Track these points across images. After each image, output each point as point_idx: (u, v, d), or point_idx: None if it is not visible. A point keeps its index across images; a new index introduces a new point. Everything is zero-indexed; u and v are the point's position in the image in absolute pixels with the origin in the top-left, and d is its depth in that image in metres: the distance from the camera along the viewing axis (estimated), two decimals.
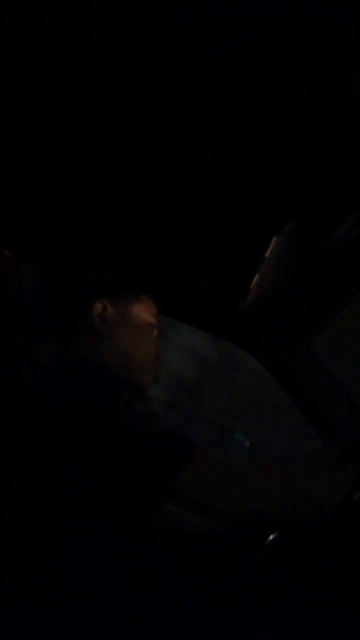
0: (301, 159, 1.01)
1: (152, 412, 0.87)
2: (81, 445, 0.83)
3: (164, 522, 0.96)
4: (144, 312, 1.13)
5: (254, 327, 1.53)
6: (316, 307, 1.38)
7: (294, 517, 0.97)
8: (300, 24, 0.78)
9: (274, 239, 1.20)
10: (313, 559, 0.91)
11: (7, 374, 0.86)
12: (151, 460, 0.83)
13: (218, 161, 1.06)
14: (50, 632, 0.74)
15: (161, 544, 0.97)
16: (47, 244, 1.39)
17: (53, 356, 1.16)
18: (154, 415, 0.86)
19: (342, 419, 1.51)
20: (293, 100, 0.91)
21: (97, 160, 1.10)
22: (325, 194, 1.08)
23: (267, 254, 1.24)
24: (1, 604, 0.75)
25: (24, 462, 0.82)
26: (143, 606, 0.84)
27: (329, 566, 0.92)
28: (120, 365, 1.05)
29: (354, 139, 0.94)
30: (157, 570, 0.90)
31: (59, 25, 0.84)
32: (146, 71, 0.89)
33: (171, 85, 0.91)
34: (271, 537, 1.00)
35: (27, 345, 1.00)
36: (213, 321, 1.59)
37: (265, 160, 1.04)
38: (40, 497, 0.80)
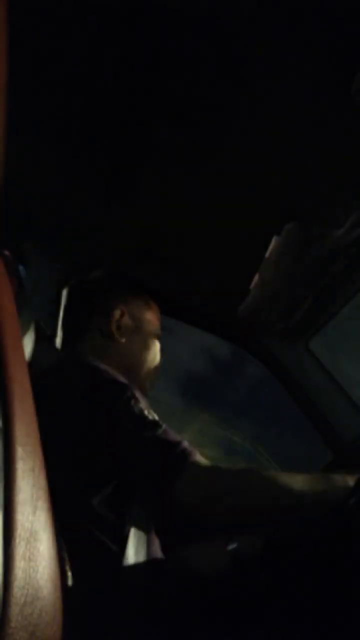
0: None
1: (150, 415, 0.86)
2: (79, 443, 0.83)
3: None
4: (154, 320, 1.15)
5: (254, 327, 1.53)
6: (316, 307, 1.38)
7: (291, 521, 0.97)
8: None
9: (274, 239, 1.20)
10: (310, 563, 0.90)
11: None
12: (146, 464, 0.83)
13: (216, 162, 1.06)
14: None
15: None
16: (47, 244, 1.39)
17: (53, 356, 1.16)
18: (152, 418, 0.86)
19: (342, 419, 1.51)
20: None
21: (95, 160, 1.10)
22: (326, 194, 1.09)
23: (267, 254, 1.24)
24: None
25: None
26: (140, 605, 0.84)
27: (327, 571, 0.92)
28: (126, 369, 1.05)
29: None
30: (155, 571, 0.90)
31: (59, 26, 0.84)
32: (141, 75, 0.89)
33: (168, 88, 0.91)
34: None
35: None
36: (214, 321, 1.59)
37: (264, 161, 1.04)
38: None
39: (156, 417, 0.87)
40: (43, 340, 1.23)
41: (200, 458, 0.85)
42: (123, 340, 1.08)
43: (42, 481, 0.51)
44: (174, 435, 0.86)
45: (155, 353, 1.14)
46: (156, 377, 1.16)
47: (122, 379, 0.92)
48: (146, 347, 1.12)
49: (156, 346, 1.15)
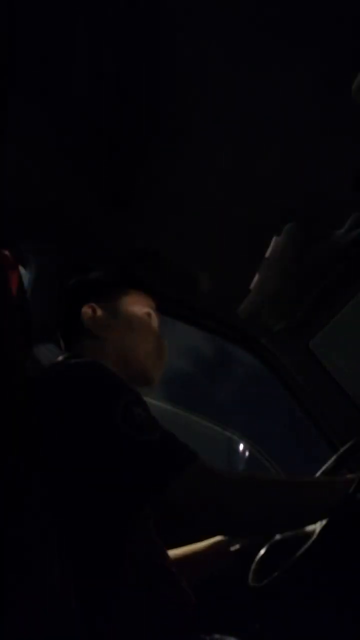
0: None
1: (149, 418, 0.85)
2: (77, 448, 0.82)
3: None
4: (134, 305, 1.11)
5: (254, 327, 1.53)
6: (316, 307, 1.39)
7: (290, 529, 0.96)
8: None
9: (274, 239, 1.20)
10: (310, 564, 0.90)
11: (6, 374, 0.86)
12: (144, 469, 0.81)
13: (217, 162, 1.06)
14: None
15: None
16: (47, 244, 1.39)
17: (53, 357, 1.15)
18: (151, 422, 0.84)
19: (342, 418, 1.51)
20: None
21: (95, 160, 1.10)
22: (326, 194, 1.09)
23: (267, 254, 1.24)
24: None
25: (21, 462, 0.81)
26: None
27: (328, 574, 0.92)
28: (121, 363, 1.04)
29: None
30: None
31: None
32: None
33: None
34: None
35: (27, 345, 0.99)
36: (214, 321, 1.59)
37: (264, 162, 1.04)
38: (35, 498, 0.79)
39: (157, 420, 0.86)
40: (43, 340, 1.23)
41: (203, 462, 0.84)
42: (105, 334, 1.07)
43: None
44: (176, 439, 0.85)
45: (147, 336, 1.09)
46: (162, 360, 1.11)
47: (122, 381, 0.92)
48: (132, 331, 1.08)
49: (146, 330, 1.10)
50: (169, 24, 0.82)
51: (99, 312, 1.08)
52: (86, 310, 1.08)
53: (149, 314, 1.12)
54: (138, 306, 1.12)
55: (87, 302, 1.09)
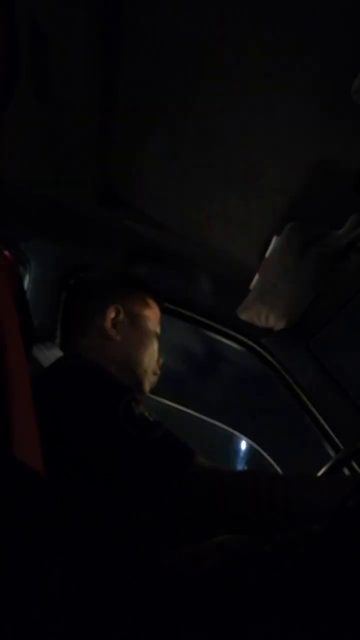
0: None
1: (150, 417, 0.85)
2: (79, 448, 0.82)
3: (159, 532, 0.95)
4: (152, 318, 1.14)
5: (254, 327, 1.53)
6: (316, 307, 1.38)
7: (290, 528, 0.96)
8: None
9: (274, 239, 1.20)
10: (309, 564, 0.90)
11: (6, 374, 0.86)
12: (147, 467, 0.82)
13: (217, 162, 1.06)
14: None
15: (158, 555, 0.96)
16: (47, 244, 1.39)
17: (53, 357, 1.15)
18: (153, 420, 0.85)
19: (342, 419, 1.51)
20: None
21: (95, 160, 1.10)
22: (326, 194, 1.09)
23: (267, 254, 1.23)
24: None
25: (20, 462, 0.81)
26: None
27: (326, 572, 0.91)
28: (124, 367, 1.04)
29: None
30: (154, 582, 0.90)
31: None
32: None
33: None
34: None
35: (27, 345, 0.99)
36: (214, 321, 1.59)
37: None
38: (35, 499, 0.79)
39: (157, 419, 0.87)
40: (43, 340, 1.23)
41: (203, 461, 0.84)
42: (119, 338, 1.08)
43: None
44: (176, 438, 0.85)
45: (153, 351, 1.13)
46: (156, 378, 1.15)
47: (121, 381, 0.92)
48: (143, 344, 1.11)
49: (154, 344, 1.14)
50: (169, 18, 0.82)
51: (122, 315, 1.09)
52: (111, 310, 1.09)
53: (158, 335, 1.15)
54: (153, 322, 1.15)
55: (105, 301, 1.10)
